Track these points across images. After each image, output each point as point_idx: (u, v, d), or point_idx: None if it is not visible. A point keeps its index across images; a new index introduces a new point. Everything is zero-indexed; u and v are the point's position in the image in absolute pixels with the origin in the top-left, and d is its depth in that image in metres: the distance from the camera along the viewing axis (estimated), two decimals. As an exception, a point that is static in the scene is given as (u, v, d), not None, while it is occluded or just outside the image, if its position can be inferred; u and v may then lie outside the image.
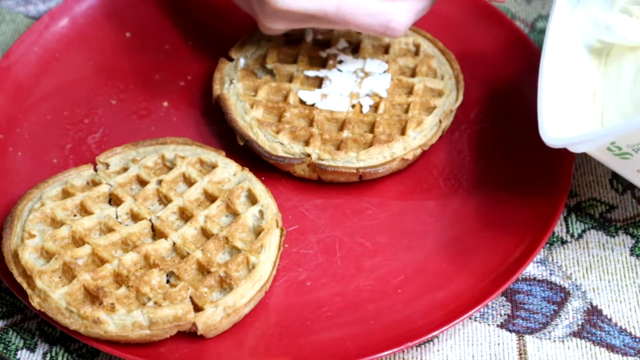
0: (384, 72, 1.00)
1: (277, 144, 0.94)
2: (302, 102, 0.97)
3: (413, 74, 1.00)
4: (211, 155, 0.93)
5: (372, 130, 0.95)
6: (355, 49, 1.02)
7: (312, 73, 0.99)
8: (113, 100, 1.02)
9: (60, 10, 1.08)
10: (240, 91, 0.98)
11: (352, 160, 0.94)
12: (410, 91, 0.99)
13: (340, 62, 1.00)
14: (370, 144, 0.94)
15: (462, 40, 1.06)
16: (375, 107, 0.97)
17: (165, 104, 1.02)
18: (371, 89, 0.98)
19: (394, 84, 0.99)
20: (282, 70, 1.00)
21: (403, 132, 0.95)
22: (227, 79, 0.99)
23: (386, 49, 1.02)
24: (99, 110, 1.01)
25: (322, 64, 1.01)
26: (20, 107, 1.00)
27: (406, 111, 0.97)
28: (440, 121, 0.96)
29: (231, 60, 1.02)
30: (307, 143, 0.94)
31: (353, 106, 0.97)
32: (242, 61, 1.01)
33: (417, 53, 1.02)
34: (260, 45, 1.02)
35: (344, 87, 0.98)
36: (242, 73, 1.00)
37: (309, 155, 0.94)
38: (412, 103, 0.97)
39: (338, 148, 0.94)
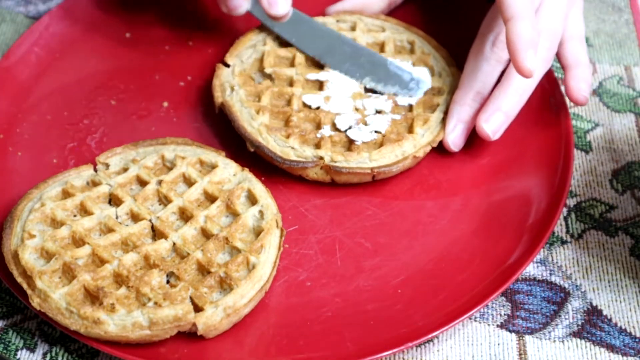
0: None
1: (288, 148, 0.94)
2: (305, 105, 0.97)
3: None
4: (211, 155, 0.93)
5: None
6: None
7: (312, 76, 0.99)
8: (113, 101, 1.02)
9: (61, 11, 1.08)
10: (243, 98, 0.97)
11: (365, 160, 0.93)
12: None
13: None
14: (381, 144, 0.94)
15: (458, 37, 1.05)
16: (380, 109, 0.97)
17: (165, 104, 1.02)
18: (372, 90, 0.98)
19: None
20: (282, 75, 0.99)
21: (410, 130, 0.95)
22: (227, 85, 0.99)
23: (382, 47, 1.02)
24: (99, 110, 1.01)
25: (319, 65, 1.01)
26: (20, 107, 1.00)
27: (410, 110, 0.97)
28: (444, 118, 0.96)
29: (227, 65, 1.01)
30: (317, 146, 0.94)
31: (357, 110, 0.97)
32: (238, 67, 1.01)
33: (412, 50, 1.02)
34: (255, 49, 1.02)
35: (345, 88, 0.98)
36: (242, 79, 0.99)
37: (321, 158, 0.93)
38: (416, 102, 0.97)
39: (349, 149, 0.94)
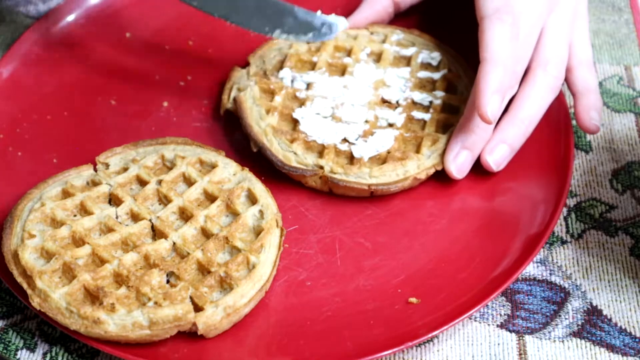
0: (404, 84, 0.98)
1: (290, 153, 0.93)
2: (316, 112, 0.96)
3: (433, 89, 0.98)
4: (211, 155, 0.93)
5: None
6: (377, 58, 1.00)
7: (332, 80, 0.98)
8: (113, 101, 1.02)
9: (61, 11, 1.08)
10: (256, 95, 0.96)
11: (365, 176, 0.92)
12: (428, 106, 0.97)
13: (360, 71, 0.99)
14: (384, 160, 0.93)
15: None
16: (392, 122, 0.95)
17: (165, 104, 1.02)
18: (389, 102, 0.96)
19: (412, 98, 0.97)
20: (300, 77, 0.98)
21: (418, 149, 0.94)
22: (236, 87, 0.98)
23: (408, 61, 1.00)
24: (99, 110, 1.01)
25: (341, 72, 0.99)
26: (20, 107, 1.00)
27: (423, 127, 0.95)
28: None
29: (244, 67, 1.00)
30: (320, 154, 0.93)
31: (367, 121, 0.95)
32: (255, 67, 0.99)
33: (438, 67, 1.00)
34: (280, 51, 1.01)
35: (361, 97, 0.96)
36: (258, 77, 0.98)
37: (321, 168, 0.93)
38: (430, 120, 0.95)
39: (351, 162, 0.93)
